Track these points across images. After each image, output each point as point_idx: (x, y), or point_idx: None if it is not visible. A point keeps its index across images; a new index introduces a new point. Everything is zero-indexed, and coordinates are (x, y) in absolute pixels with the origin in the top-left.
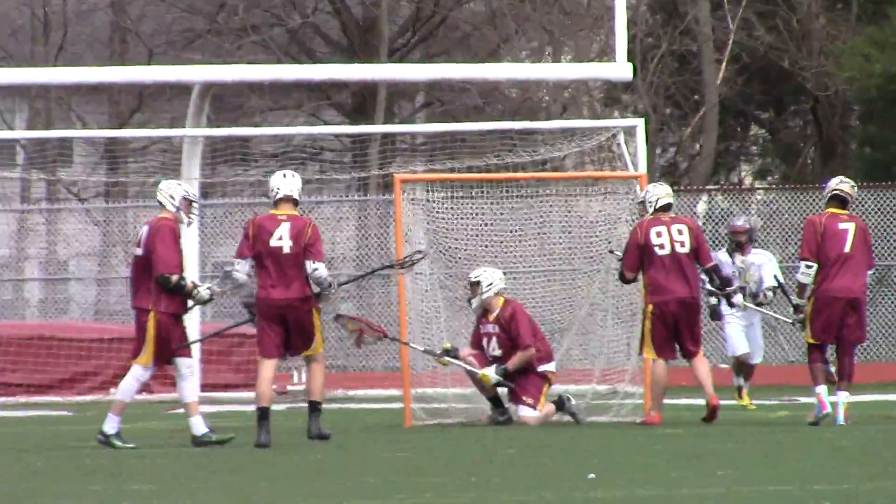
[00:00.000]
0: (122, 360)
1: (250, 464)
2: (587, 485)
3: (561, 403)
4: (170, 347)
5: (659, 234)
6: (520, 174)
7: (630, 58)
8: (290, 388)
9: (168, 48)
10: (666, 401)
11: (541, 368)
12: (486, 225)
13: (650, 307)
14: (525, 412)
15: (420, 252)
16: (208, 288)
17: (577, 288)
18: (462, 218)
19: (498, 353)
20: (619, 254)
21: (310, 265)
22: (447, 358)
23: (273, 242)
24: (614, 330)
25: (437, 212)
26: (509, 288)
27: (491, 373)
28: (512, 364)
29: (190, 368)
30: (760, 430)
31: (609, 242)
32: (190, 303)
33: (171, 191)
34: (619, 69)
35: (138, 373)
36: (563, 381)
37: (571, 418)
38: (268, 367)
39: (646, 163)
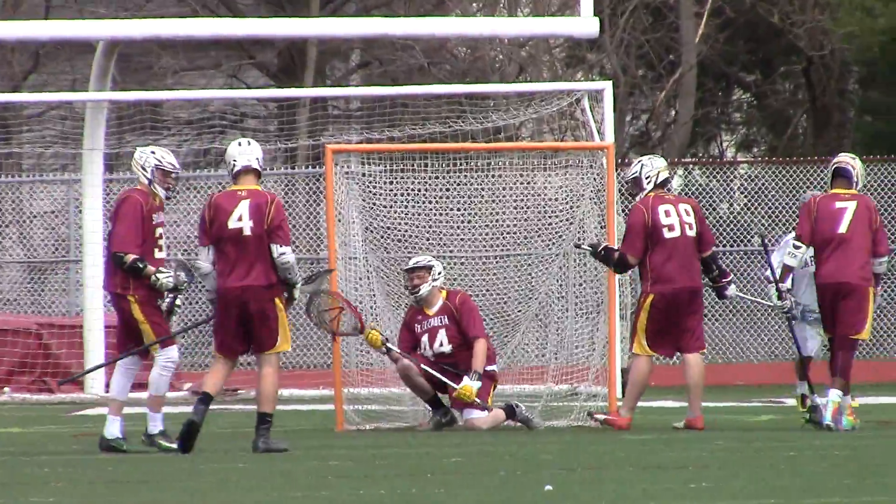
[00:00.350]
0: (15, 355)
1: (163, 473)
2: (544, 498)
3: (511, 411)
4: (167, 325)
5: (668, 214)
6: (469, 144)
7: (596, 11)
8: None
9: (68, 0)
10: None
11: (488, 368)
12: (429, 202)
13: (651, 297)
14: (474, 414)
15: (330, 270)
16: (170, 277)
17: (533, 275)
18: (402, 194)
19: (447, 348)
20: (588, 248)
21: (276, 250)
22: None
23: (232, 224)
24: (576, 323)
25: (374, 187)
26: (457, 275)
27: (471, 384)
28: (479, 365)
29: (134, 366)
30: (740, 436)
31: (571, 222)
32: (168, 297)
33: (143, 160)
34: (584, 24)
35: (161, 361)
36: (516, 381)
37: (524, 425)
38: (223, 362)
39: (613, 131)
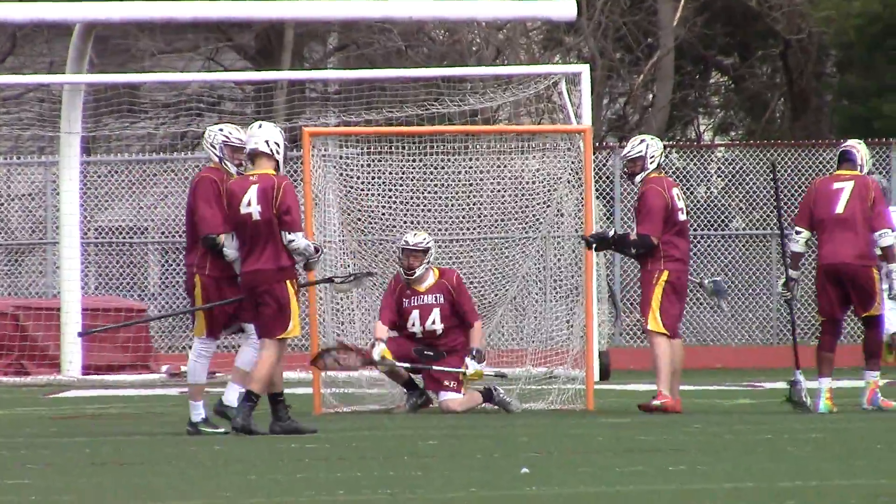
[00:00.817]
0: None
1: (142, 455)
2: (521, 480)
3: (488, 394)
4: (223, 315)
5: (678, 197)
6: (446, 127)
7: None
8: (183, 368)
9: None
10: (607, 386)
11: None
12: (407, 185)
13: (667, 273)
14: (448, 396)
15: (370, 274)
16: None
17: (511, 258)
18: (380, 177)
19: (439, 327)
20: (593, 239)
21: (285, 237)
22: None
23: (243, 209)
24: (553, 306)
25: (352, 169)
26: (434, 257)
27: (477, 366)
28: (478, 342)
29: (207, 351)
30: (718, 419)
31: (548, 205)
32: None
33: (212, 138)
34: (562, 7)
35: (197, 346)
36: (494, 364)
37: (501, 408)
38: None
39: (591, 115)
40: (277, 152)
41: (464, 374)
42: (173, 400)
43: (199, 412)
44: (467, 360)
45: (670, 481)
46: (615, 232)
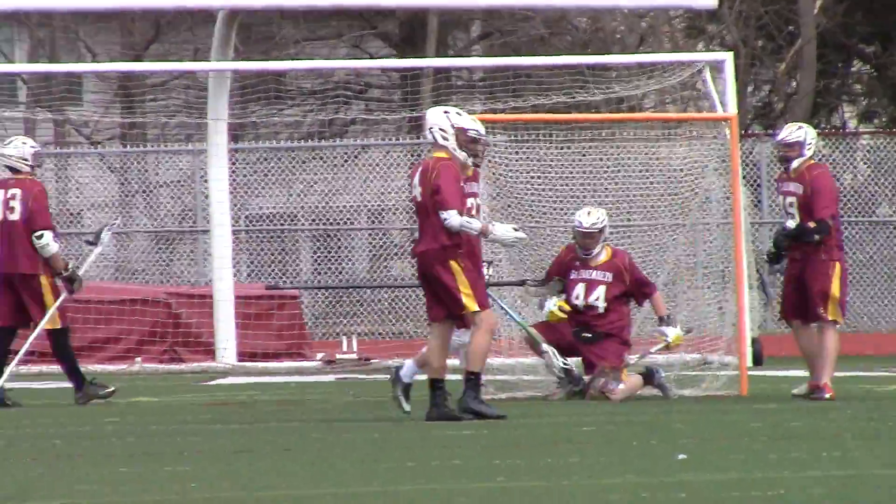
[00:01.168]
0: (146, 324)
1: (298, 442)
2: (677, 466)
3: (650, 375)
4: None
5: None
6: (592, 115)
7: None
8: (339, 356)
9: None
10: (760, 373)
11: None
12: (554, 172)
13: (838, 265)
14: (609, 386)
15: (561, 282)
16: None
17: (661, 245)
18: (526, 163)
19: (601, 306)
20: (784, 240)
21: (440, 216)
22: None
23: (412, 192)
24: (706, 293)
25: (499, 157)
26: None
27: (676, 331)
28: (665, 310)
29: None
30: (871, 405)
31: (696, 192)
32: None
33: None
34: None
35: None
36: (647, 351)
37: (660, 392)
38: (432, 334)
39: (736, 102)
40: (444, 138)
41: (668, 343)
42: (328, 387)
43: (409, 373)
44: (664, 328)
45: (825, 468)
46: (797, 226)
